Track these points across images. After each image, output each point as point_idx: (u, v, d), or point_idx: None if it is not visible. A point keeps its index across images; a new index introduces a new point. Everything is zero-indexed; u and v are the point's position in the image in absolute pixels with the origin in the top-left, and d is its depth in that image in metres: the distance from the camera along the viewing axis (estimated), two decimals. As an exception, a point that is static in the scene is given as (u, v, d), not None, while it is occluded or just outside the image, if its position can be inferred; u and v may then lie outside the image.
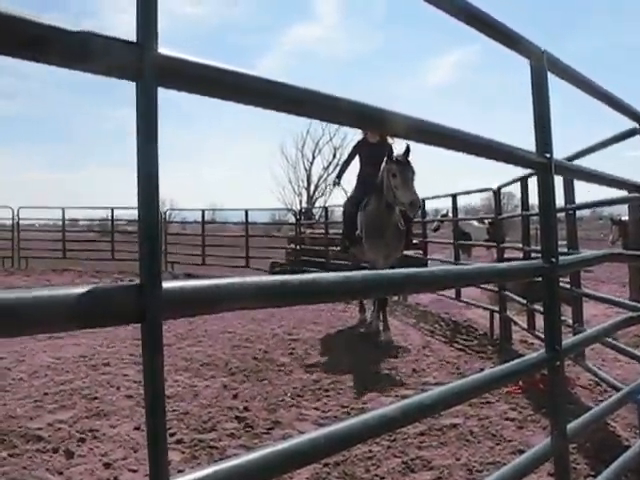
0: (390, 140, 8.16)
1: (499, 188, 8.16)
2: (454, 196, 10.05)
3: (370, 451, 4.07)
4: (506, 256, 8.53)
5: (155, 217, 0.90)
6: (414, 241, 7.90)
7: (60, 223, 20.23)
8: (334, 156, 40.98)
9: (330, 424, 1.42)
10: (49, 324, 0.85)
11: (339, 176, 9.15)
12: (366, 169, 8.40)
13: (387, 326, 8.06)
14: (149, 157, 0.90)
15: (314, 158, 41.85)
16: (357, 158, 8.76)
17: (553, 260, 2.14)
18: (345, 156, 9.24)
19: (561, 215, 5.52)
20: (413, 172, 7.30)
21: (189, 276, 14.37)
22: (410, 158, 7.37)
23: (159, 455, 0.91)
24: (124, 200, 22.04)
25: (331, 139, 41.07)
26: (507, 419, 4.68)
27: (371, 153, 8.24)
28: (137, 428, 4.52)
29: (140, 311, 0.88)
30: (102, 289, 0.87)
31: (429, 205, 12.19)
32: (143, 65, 0.89)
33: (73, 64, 0.86)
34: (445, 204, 20.92)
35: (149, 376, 0.89)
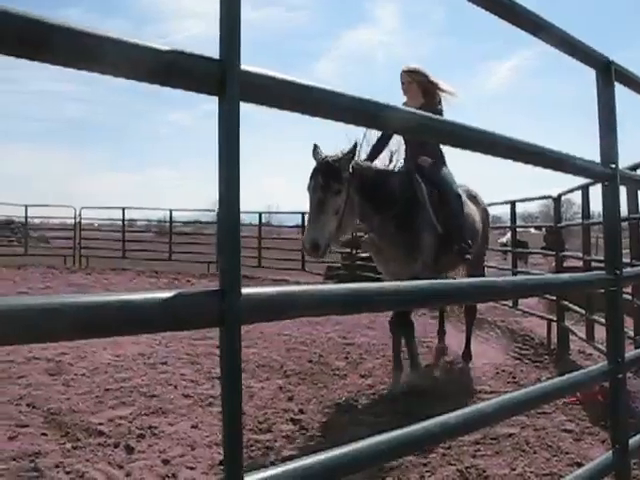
0: (443, 101, 6.10)
1: (559, 196, 8.05)
2: (513, 203, 9.94)
3: (425, 457, 4.07)
4: (565, 265, 8.41)
5: (236, 226, 0.94)
6: (467, 256, 5.85)
7: (118, 223, 20.70)
8: (390, 160, 40.90)
9: (388, 430, 1.45)
10: (139, 326, 0.91)
11: (369, 160, 6.05)
12: (407, 150, 6.39)
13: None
14: (231, 167, 0.94)
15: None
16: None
17: (617, 272, 2.12)
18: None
19: (623, 224, 5.42)
20: (334, 191, 5.03)
21: (245, 277, 14.49)
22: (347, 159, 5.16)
23: (236, 454, 0.95)
24: (178, 202, 22.48)
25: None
26: (564, 430, 4.62)
27: None
28: (194, 426, 4.62)
29: (220, 316, 0.93)
30: (186, 294, 0.92)
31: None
32: (226, 81, 0.94)
33: (162, 82, 0.91)
34: (501, 210, 20.70)
35: (228, 378, 0.94)
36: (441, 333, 7.44)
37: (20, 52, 0.81)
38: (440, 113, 5.86)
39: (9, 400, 5.14)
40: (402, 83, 6.06)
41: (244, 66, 0.96)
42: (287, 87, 1.03)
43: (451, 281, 1.63)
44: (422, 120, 1.43)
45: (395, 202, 5.49)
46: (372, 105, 1.21)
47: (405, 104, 6.01)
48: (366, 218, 5.49)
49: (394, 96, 6.21)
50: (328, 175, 5.02)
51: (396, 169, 6.16)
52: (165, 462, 4.00)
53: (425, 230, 5.67)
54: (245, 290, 0.96)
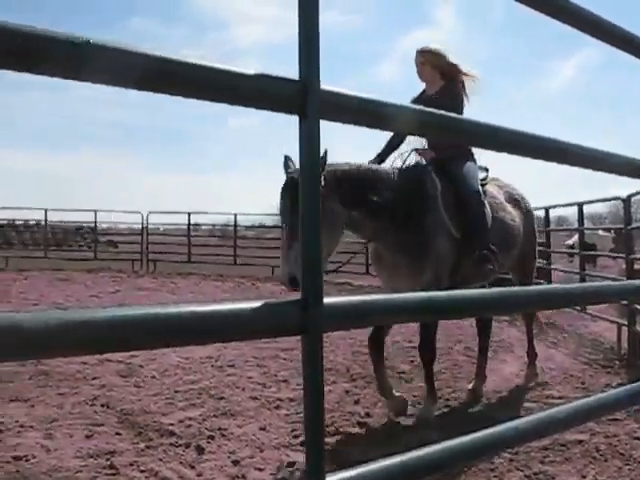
0: (466, 79, 5.35)
1: (629, 197, 7.88)
2: (580, 205, 9.77)
3: (492, 463, 4.05)
4: (636, 267, 8.22)
5: (317, 237, 0.99)
6: (489, 265, 4.99)
7: (183, 227, 21.12)
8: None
9: (458, 434, 1.47)
10: (226, 334, 0.96)
11: (380, 157, 5.24)
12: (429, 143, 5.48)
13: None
14: (312, 183, 0.99)
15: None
16: None
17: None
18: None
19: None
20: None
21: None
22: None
23: (319, 456, 1.00)
24: (242, 206, 22.81)
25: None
26: (637, 438, 4.52)
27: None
28: (262, 428, 4.70)
29: (303, 324, 0.98)
30: (270, 304, 0.97)
31: (553, 213, 11.82)
32: (307, 101, 0.99)
33: (246, 103, 0.96)
34: (566, 211, 20.30)
35: (310, 383, 0.99)
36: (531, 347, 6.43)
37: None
38: (461, 101, 5.23)
39: (84, 400, 5.34)
40: (416, 66, 5.32)
41: (323, 86, 1.01)
42: (365, 105, 1.07)
43: (524, 289, 1.63)
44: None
45: (393, 203, 4.67)
46: (445, 118, 1.24)
47: (424, 92, 5.45)
48: (357, 228, 4.75)
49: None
50: (295, 195, 3.94)
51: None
52: (235, 463, 4.09)
53: (436, 234, 4.84)
54: (327, 299, 1.01)
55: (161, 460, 4.08)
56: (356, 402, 5.43)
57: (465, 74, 5.28)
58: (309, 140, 0.99)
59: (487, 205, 5.21)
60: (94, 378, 6.12)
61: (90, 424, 4.73)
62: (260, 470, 4.00)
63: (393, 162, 5.05)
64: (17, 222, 28.86)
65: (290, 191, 4.23)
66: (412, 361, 7.03)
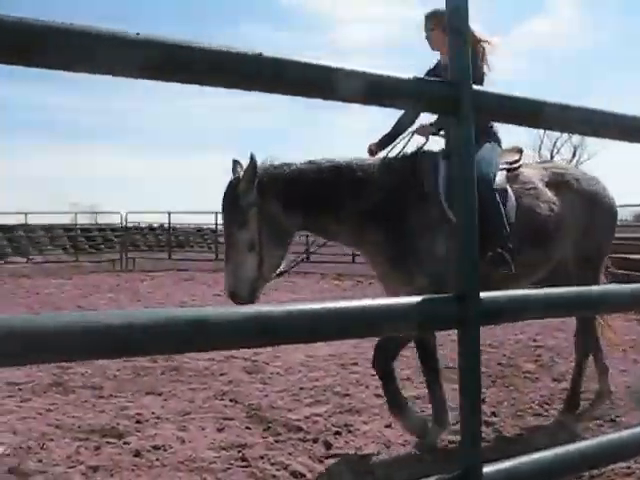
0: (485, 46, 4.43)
1: None
2: None
3: (629, 467, 3.91)
4: None
5: (474, 234, 1.01)
6: (503, 268, 4.11)
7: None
8: (574, 155, 39.48)
9: (592, 435, 1.46)
10: (383, 329, 1.00)
11: (382, 143, 4.51)
12: None
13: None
14: (467, 183, 1.02)
15: (552, 158, 40.53)
16: None
17: None
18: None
19: None
20: (239, 224, 4.04)
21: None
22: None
23: (476, 446, 1.02)
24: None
25: (570, 137, 39.59)
26: None
27: None
28: (388, 426, 4.73)
29: (460, 319, 1.01)
30: (428, 299, 1.00)
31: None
32: (461, 102, 1.01)
33: (404, 106, 1.00)
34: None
35: (467, 376, 1.02)
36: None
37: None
38: (480, 70, 4.31)
39: (214, 395, 5.57)
40: (425, 34, 4.50)
41: (475, 87, 1.04)
42: (518, 104, 1.08)
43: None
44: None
45: (366, 204, 4.09)
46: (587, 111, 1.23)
47: (439, 63, 4.57)
48: (315, 228, 4.40)
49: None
50: (228, 207, 4.09)
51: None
52: (362, 458, 4.15)
53: (428, 235, 4.12)
54: (483, 294, 1.03)
55: (290, 454, 4.19)
56: (482, 401, 5.36)
57: (480, 40, 4.38)
58: (463, 140, 1.02)
59: (510, 194, 4.31)
60: (221, 374, 6.36)
61: (221, 418, 4.93)
62: (387, 466, 4.04)
63: (390, 150, 4.40)
64: (142, 225, 30.37)
65: (224, 201, 4.09)
66: (537, 360, 6.88)
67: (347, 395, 5.54)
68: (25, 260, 23.34)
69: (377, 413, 5.04)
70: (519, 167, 4.55)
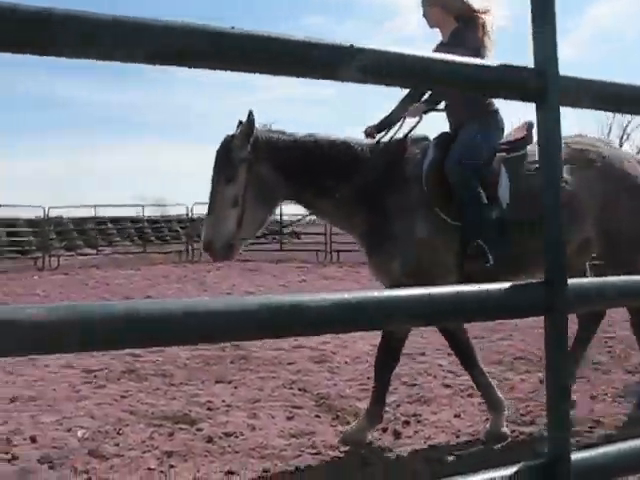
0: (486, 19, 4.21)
1: None
2: None
3: None
4: None
5: (559, 221, 1.01)
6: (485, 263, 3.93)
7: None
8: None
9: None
10: (475, 315, 1.01)
11: (379, 126, 4.44)
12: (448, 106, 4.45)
13: None
14: (553, 169, 1.01)
15: (621, 145, 39.47)
16: None
17: None
18: None
19: None
20: (227, 178, 4.03)
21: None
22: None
23: (564, 434, 1.03)
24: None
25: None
26: None
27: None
28: (457, 415, 4.71)
29: (548, 305, 1.01)
30: (515, 286, 1.01)
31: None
32: (547, 90, 1.01)
33: (490, 93, 1.01)
34: None
35: (555, 361, 1.02)
36: None
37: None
38: (477, 43, 4.11)
39: (283, 384, 5.64)
40: (422, 9, 4.36)
41: (562, 73, 1.03)
42: (605, 89, 1.07)
43: None
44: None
45: (354, 183, 4.03)
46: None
47: (441, 43, 4.39)
48: (303, 201, 4.32)
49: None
50: (220, 159, 4.09)
51: None
52: (431, 447, 4.15)
53: (406, 220, 4.05)
54: (571, 281, 1.03)
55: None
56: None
57: (478, 12, 4.18)
58: (549, 126, 1.01)
59: (502, 175, 4.09)
60: (289, 363, 6.43)
61: (290, 406, 4.99)
62: (458, 456, 4.03)
63: (384, 134, 4.34)
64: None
65: (217, 153, 4.09)
66: (609, 351, 6.73)
67: (415, 385, 5.54)
68: (95, 252, 24.04)
69: (446, 403, 5.02)
70: (526, 145, 4.25)
